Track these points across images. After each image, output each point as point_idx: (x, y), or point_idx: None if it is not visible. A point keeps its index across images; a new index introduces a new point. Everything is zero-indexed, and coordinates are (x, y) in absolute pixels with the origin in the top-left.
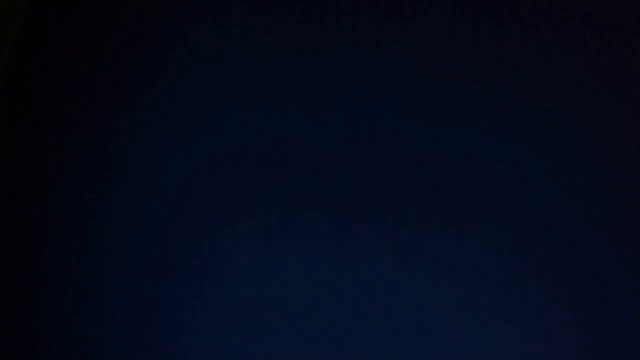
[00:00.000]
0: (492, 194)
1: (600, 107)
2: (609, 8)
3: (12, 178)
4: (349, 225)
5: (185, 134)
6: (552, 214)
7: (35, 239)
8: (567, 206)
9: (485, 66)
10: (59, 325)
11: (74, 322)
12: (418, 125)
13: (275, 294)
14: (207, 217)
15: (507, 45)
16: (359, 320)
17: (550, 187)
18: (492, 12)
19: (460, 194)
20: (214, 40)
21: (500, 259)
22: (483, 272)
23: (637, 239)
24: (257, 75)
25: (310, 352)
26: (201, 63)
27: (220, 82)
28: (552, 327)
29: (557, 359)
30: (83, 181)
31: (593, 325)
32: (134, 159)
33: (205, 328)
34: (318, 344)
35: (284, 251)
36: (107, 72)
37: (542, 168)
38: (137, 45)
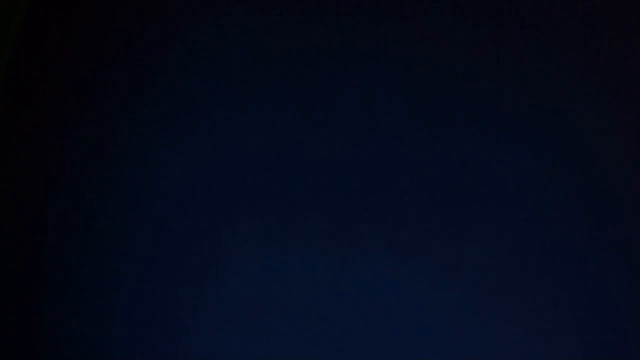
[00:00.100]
0: (492, 194)
1: (600, 107)
2: (609, 8)
3: (12, 178)
4: (349, 225)
5: (185, 134)
6: (552, 214)
7: (35, 239)
8: (567, 206)
9: (485, 66)
10: (59, 325)
11: (74, 322)
12: (418, 125)
13: (275, 294)
14: (207, 217)
15: (507, 45)
16: (359, 320)
17: (550, 187)
18: (492, 12)
19: (460, 194)
20: (214, 40)
21: (500, 259)
22: (483, 272)
23: (637, 239)
24: (257, 75)
25: (310, 352)
26: (201, 63)
27: (220, 82)
28: (552, 327)
29: (557, 359)
30: (83, 181)
31: (593, 325)
32: (134, 159)
33: (205, 328)
34: (318, 344)
35: (284, 251)
36: (107, 72)
37: (542, 168)
38: (137, 45)
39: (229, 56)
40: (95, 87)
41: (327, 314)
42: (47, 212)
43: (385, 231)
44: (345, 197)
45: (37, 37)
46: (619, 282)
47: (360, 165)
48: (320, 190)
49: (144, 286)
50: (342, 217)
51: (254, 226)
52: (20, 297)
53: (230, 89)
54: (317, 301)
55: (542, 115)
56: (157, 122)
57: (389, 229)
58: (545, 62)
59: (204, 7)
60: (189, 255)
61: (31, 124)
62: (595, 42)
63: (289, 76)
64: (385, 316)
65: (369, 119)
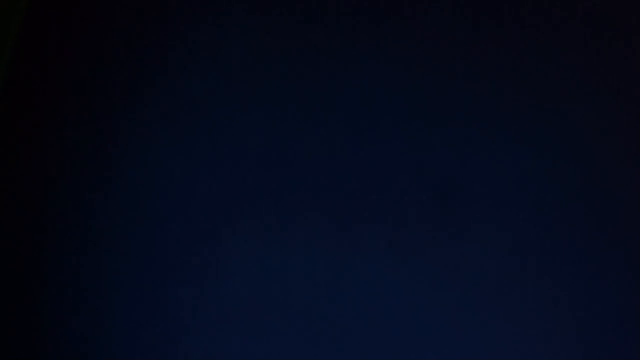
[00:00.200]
0: (492, 194)
1: (600, 107)
2: (609, 8)
3: (12, 178)
4: (349, 225)
5: (185, 134)
6: (552, 214)
7: (35, 239)
8: (567, 206)
9: (485, 66)
10: (59, 325)
11: (74, 322)
12: (418, 125)
13: (275, 294)
14: (207, 217)
15: (507, 45)
16: (359, 320)
17: (550, 187)
18: (492, 12)
19: (460, 194)
20: (214, 40)
21: (500, 259)
22: (483, 272)
23: (637, 239)
24: (257, 75)
25: (310, 352)
26: (201, 63)
27: (220, 82)
28: (552, 327)
29: (557, 359)
30: (83, 181)
31: (593, 325)
32: (134, 159)
33: (205, 328)
34: (318, 344)
35: (284, 251)
36: (107, 72)
37: (542, 168)
38: (137, 45)
39: (229, 56)
40: (95, 87)
41: (327, 314)
42: (47, 212)
43: (385, 231)
44: (345, 197)
45: (37, 37)
46: (619, 282)
47: (360, 165)
48: (320, 190)
49: (144, 286)
50: (342, 217)
51: (254, 226)
52: (20, 297)
53: (230, 89)
54: (317, 301)
55: (542, 115)
56: (157, 122)
57: (389, 229)
58: (545, 62)
59: (204, 7)
60: (189, 255)
61: (31, 124)
62: (595, 42)
63: (289, 76)
64: (385, 316)
65: (369, 119)
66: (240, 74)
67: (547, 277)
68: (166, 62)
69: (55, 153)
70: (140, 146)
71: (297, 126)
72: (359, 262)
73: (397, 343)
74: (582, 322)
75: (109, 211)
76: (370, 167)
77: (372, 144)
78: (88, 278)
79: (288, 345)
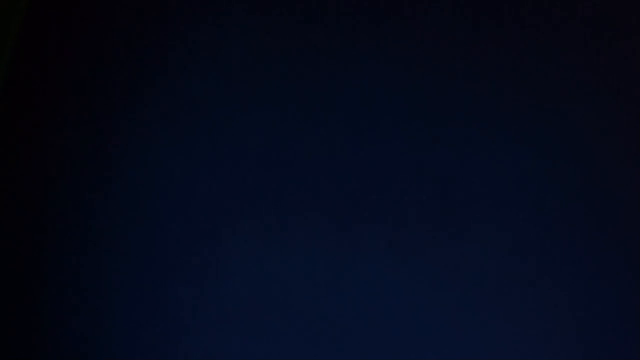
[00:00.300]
0: (492, 194)
1: (600, 107)
2: (609, 8)
3: (12, 178)
4: (349, 225)
5: (185, 134)
6: (552, 214)
7: (35, 239)
8: (567, 206)
9: (485, 66)
10: (59, 325)
11: (74, 322)
12: (418, 125)
13: (275, 294)
14: (207, 217)
15: (507, 45)
16: (359, 320)
17: (550, 187)
18: (492, 12)
19: (460, 194)
20: (214, 40)
21: (500, 259)
22: (483, 272)
23: (637, 239)
24: (257, 75)
25: (310, 352)
26: (201, 63)
27: (220, 82)
28: (552, 327)
29: (557, 359)
30: (83, 181)
31: (593, 325)
32: (134, 159)
33: (205, 328)
34: (318, 344)
35: (284, 251)
36: (107, 72)
37: (542, 168)
38: (137, 45)
39: (229, 56)
40: (95, 87)
41: (327, 314)
42: (47, 212)
43: (385, 231)
44: (345, 197)
45: (37, 37)
46: (619, 282)
47: (360, 165)
48: (320, 190)
49: (144, 286)
50: (342, 217)
51: (254, 226)
52: (20, 297)
53: (230, 89)
54: (317, 301)
55: (542, 115)
56: (157, 122)
57: (389, 229)
58: (545, 62)
59: (204, 7)
60: (189, 255)
61: (31, 124)
62: (595, 42)
63: (289, 76)
64: (385, 316)
65: (369, 119)
66: (240, 74)
67: (547, 277)
68: (166, 62)
69: (55, 153)
70: (140, 146)
71: (297, 126)
72: (359, 262)
73: (397, 343)
74: (582, 322)
75: (109, 211)
76: (370, 167)
77: (372, 144)
78: (88, 278)
79: (288, 345)
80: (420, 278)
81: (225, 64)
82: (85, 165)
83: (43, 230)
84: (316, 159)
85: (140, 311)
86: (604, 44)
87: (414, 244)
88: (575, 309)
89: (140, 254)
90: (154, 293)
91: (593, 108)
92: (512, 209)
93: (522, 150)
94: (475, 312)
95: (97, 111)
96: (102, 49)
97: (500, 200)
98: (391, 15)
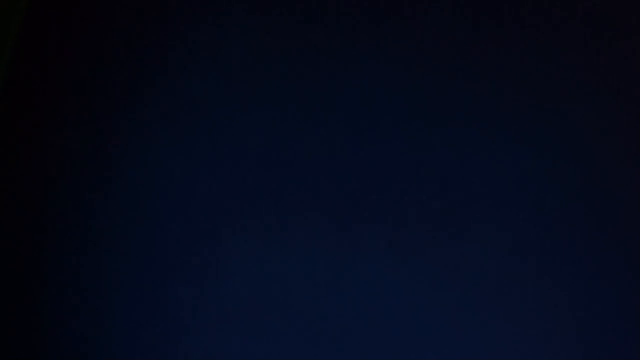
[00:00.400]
0: (492, 194)
1: (600, 107)
2: (609, 8)
3: (12, 178)
4: (349, 225)
5: (185, 134)
6: (552, 214)
7: (35, 239)
8: (567, 206)
9: (485, 66)
10: (59, 325)
11: (74, 322)
12: (418, 125)
13: (275, 294)
14: (207, 217)
15: (507, 45)
16: (359, 320)
17: (550, 187)
18: (492, 12)
19: (460, 194)
20: (214, 40)
21: (500, 259)
22: (483, 272)
23: (637, 239)
24: (257, 75)
25: (310, 352)
26: (201, 63)
27: (220, 82)
28: (552, 327)
29: (557, 359)
30: (83, 181)
31: (593, 325)
32: (134, 159)
33: (205, 328)
34: (318, 344)
35: (284, 251)
36: (107, 72)
37: (542, 168)
38: (137, 45)
39: (229, 56)
40: (95, 87)
41: (327, 314)
42: (47, 212)
43: (385, 231)
44: (345, 197)
45: (37, 37)
46: (619, 282)
47: (360, 165)
48: (320, 190)
49: (144, 286)
50: (342, 217)
51: (254, 226)
52: (20, 297)
53: (230, 89)
54: (317, 301)
55: (542, 115)
56: (157, 122)
57: (389, 229)
58: (545, 62)
59: (204, 7)
60: (189, 255)
61: (31, 124)
62: (595, 42)
63: (289, 76)
64: (385, 316)
65: (369, 119)
66: (240, 74)
67: (547, 277)
68: (166, 62)
69: (55, 153)
70: (140, 146)
71: (297, 126)
72: (359, 262)
73: (397, 343)
74: (582, 322)
75: (109, 211)
76: (370, 167)
77: (372, 144)
78: (88, 278)
79: (288, 345)
80: (420, 278)
81: (225, 64)
82: (85, 165)
83: (43, 230)
84: (316, 159)
85: (140, 311)
86: (604, 44)
87: (414, 244)
88: (575, 309)
89: (140, 254)
90: (154, 293)
91: (593, 108)
92: (512, 209)
93: (522, 150)
94: (475, 312)
95: (97, 111)
96: (102, 49)
97: (500, 200)
98: (391, 15)
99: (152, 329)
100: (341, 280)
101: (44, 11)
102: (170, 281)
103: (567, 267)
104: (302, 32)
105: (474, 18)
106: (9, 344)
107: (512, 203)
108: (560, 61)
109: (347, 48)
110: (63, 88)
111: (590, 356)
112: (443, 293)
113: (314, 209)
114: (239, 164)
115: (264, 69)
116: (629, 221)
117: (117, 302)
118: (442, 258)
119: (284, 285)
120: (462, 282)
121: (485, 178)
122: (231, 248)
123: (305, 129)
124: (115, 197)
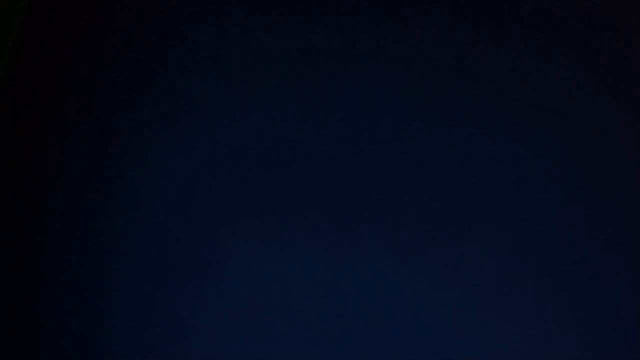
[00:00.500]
0: (492, 194)
1: (600, 107)
2: (609, 8)
3: (12, 178)
4: (349, 225)
5: (185, 134)
6: (552, 214)
7: (35, 239)
8: (567, 206)
9: (485, 66)
10: (59, 325)
11: (74, 322)
12: (418, 125)
13: (276, 294)
14: (207, 217)
15: (507, 45)
16: (359, 320)
17: (550, 187)
18: (492, 12)
19: (460, 194)
20: (214, 40)
21: (500, 259)
22: (483, 272)
23: (637, 239)
24: (257, 75)
25: (310, 352)
26: (201, 63)
27: (220, 82)
28: (552, 327)
29: (557, 359)
30: (83, 181)
31: (593, 325)
32: (134, 159)
33: (205, 328)
34: (318, 344)
35: (284, 251)
36: (107, 72)
37: (542, 168)
38: (137, 45)
39: (229, 56)
40: (95, 87)
41: (327, 314)
42: (47, 212)
43: (385, 231)
44: (345, 197)
45: (37, 37)
46: (619, 282)
47: (360, 165)
48: (320, 190)
49: (144, 286)
50: (342, 217)
51: (254, 226)
52: (20, 297)
53: (230, 89)
54: (317, 301)
55: (542, 115)
56: (157, 122)
57: (389, 229)
58: (545, 62)
59: (204, 7)
60: (189, 255)
61: (31, 124)
62: (595, 42)
63: (289, 76)
64: (385, 316)
65: (369, 119)
66: (240, 74)
67: (547, 277)
68: (166, 62)
69: (55, 153)
70: (140, 146)
71: (297, 126)
72: (359, 262)
73: (397, 343)
74: (582, 322)
75: (109, 211)
76: (370, 167)
77: (372, 144)
78: (88, 278)
79: (288, 345)
80: (420, 278)
81: (225, 64)
82: (85, 165)
83: (43, 230)
84: (316, 159)
85: (140, 311)
86: (604, 44)
87: (414, 244)
88: (575, 309)
89: (140, 254)
90: (154, 293)
91: (593, 108)
92: (512, 209)
93: (522, 150)
94: (475, 312)
95: (97, 111)
96: (102, 49)
97: (500, 200)
98: (391, 15)
99: (152, 329)
100: (341, 280)
101: (44, 11)
102: (170, 281)
103: (567, 267)
104: (302, 32)
105: (474, 18)
106: (9, 344)
107: (512, 203)
108: (560, 61)
109: (347, 48)
110: (63, 88)
111: (590, 356)
112: (443, 293)
113: (314, 209)
114: (239, 164)
115: (264, 69)
116: (629, 221)
117: (117, 302)
118: (442, 258)
119: (284, 285)
120: (462, 282)
121: (485, 178)
122: (231, 248)
123: (305, 129)
124: (115, 197)
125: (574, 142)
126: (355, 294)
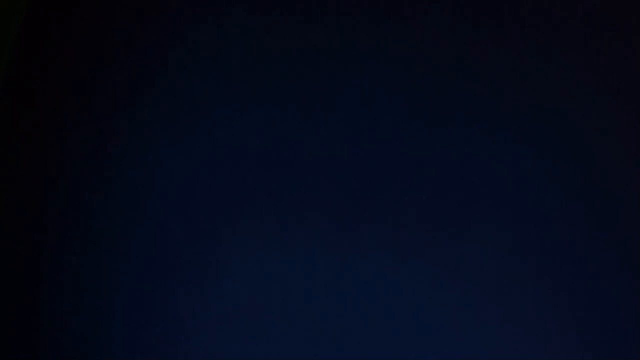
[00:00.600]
0: (492, 194)
1: (600, 107)
2: (609, 8)
3: (12, 178)
4: (349, 225)
5: (185, 134)
6: (552, 214)
7: (35, 239)
8: (567, 206)
9: (485, 66)
10: (59, 325)
11: (74, 322)
12: (418, 125)
13: (276, 294)
14: (207, 217)
15: (507, 45)
16: (359, 320)
17: (550, 187)
18: (492, 12)
19: (460, 194)
20: (214, 40)
21: (500, 259)
22: (483, 272)
23: (637, 239)
24: (257, 75)
25: (310, 352)
26: (201, 63)
27: (220, 82)
28: (552, 327)
29: (557, 359)
30: (83, 181)
31: (593, 325)
32: (134, 159)
33: (205, 328)
34: (318, 344)
35: (284, 251)
36: (107, 72)
37: (542, 168)
38: (137, 45)
39: (229, 56)
40: (95, 87)
41: (327, 314)
42: (47, 212)
43: (385, 231)
44: (345, 198)
45: (37, 37)
46: (619, 282)
47: (360, 165)
48: (320, 190)
49: (144, 286)
50: (342, 218)
51: (254, 226)
52: (20, 297)
53: (230, 89)
54: (317, 301)
55: (542, 115)
56: (157, 122)
57: (389, 229)
58: (545, 62)
59: (204, 7)
60: (189, 255)
61: (31, 124)
62: (595, 42)
63: (289, 76)
64: (385, 316)
65: (369, 119)
66: (240, 74)
67: (547, 277)
68: (166, 62)
69: (55, 153)
70: (140, 146)
71: (297, 126)
72: (359, 262)
73: (397, 343)
74: (582, 322)
75: (109, 211)
76: (370, 167)
77: (372, 144)
78: (88, 278)
79: (288, 345)
80: (420, 278)
81: (225, 64)
82: (85, 165)
83: (43, 230)
84: (316, 159)
85: (140, 311)
86: (604, 44)
87: (414, 244)
88: (575, 309)
89: (140, 254)
90: (154, 293)
91: (593, 108)
92: (512, 209)
93: (522, 150)
94: (475, 312)
95: (97, 111)
96: (102, 49)
97: (500, 200)
98: (391, 15)
99: (152, 329)
100: (341, 280)
101: (44, 11)
102: (170, 281)
103: (567, 267)
104: (302, 32)
105: (474, 18)
106: (9, 344)
107: (512, 203)
108: (560, 61)
109: (347, 48)
110: (63, 88)
111: (590, 356)
112: (443, 293)
113: (314, 209)
114: (239, 164)
115: (264, 69)
116: (629, 221)
117: (117, 302)
118: (442, 258)
119: (284, 286)
120: (462, 282)
121: (485, 178)
122: (231, 248)
123: (305, 129)
124: (115, 197)
125: (574, 142)
126: (355, 294)
